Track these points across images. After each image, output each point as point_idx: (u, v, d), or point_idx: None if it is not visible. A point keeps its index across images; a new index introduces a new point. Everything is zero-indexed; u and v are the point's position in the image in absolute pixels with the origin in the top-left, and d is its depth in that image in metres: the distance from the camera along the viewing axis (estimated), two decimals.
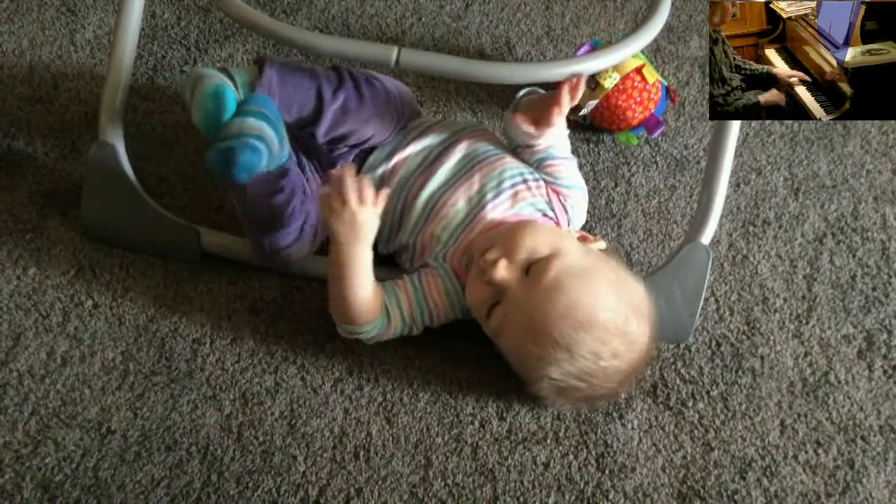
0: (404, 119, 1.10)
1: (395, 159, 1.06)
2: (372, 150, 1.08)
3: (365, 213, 0.92)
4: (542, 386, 0.95)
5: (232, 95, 0.95)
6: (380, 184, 1.05)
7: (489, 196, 1.03)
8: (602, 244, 1.05)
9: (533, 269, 0.93)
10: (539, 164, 1.06)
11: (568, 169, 1.07)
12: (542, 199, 1.05)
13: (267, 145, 0.93)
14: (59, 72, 1.27)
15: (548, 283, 0.91)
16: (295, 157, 1.03)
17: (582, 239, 1.04)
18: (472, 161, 1.05)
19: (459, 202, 1.03)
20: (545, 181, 1.06)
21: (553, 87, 1.30)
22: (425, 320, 1.01)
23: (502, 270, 0.93)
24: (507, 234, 0.97)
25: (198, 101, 0.96)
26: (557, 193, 1.06)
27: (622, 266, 1.00)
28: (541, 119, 1.03)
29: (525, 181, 1.05)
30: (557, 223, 1.05)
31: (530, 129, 1.04)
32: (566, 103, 1.01)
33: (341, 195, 0.91)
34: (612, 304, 0.92)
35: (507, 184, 1.04)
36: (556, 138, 1.06)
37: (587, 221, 1.18)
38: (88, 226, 1.10)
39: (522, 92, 1.10)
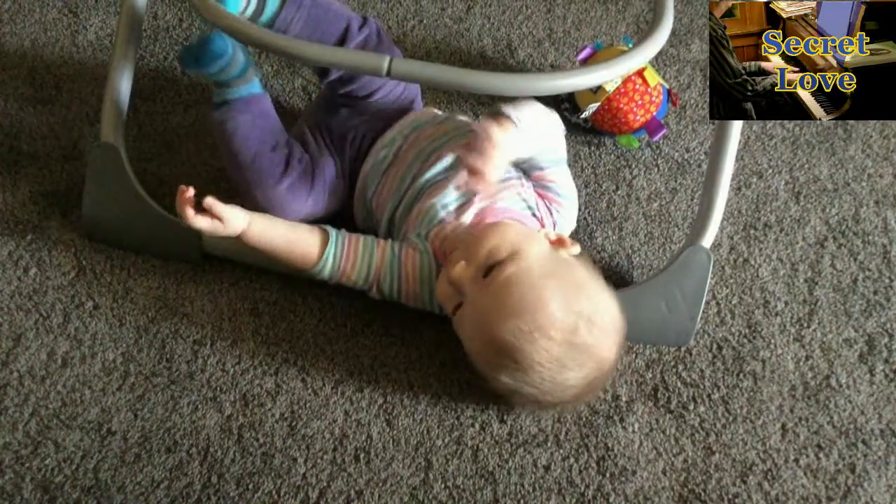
0: (408, 94, 1.14)
1: (406, 142, 1.09)
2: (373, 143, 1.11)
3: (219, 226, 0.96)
4: (496, 386, 0.93)
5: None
6: (383, 165, 1.09)
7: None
8: (576, 249, 0.99)
9: (492, 272, 0.92)
10: (527, 173, 1.06)
11: (558, 176, 1.06)
12: (531, 197, 1.05)
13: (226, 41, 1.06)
14: (61, 73, 1.27)
15: (497, 286, 0.90)
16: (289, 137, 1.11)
17: (557, 242, 0.99)
18: None
19: (452, 187, 1.03)
20: (533, 186, 1.06)
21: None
22: (394, 290, 1.01)
23: (459, 270, 0.93)
24: (472, 236, 0.97)
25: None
26: (544, 198, 1.06)
27: (592, 275, 0.95)
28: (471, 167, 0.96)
29: (519, 178, 1.05)
30: (542, 224, 1.05)
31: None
32: (475, 162, 0.95)
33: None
34: (560, 312, 0.89)
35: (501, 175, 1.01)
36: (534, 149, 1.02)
37: (588, 224, 1.18)
38: (90, 227, 1.10)
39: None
